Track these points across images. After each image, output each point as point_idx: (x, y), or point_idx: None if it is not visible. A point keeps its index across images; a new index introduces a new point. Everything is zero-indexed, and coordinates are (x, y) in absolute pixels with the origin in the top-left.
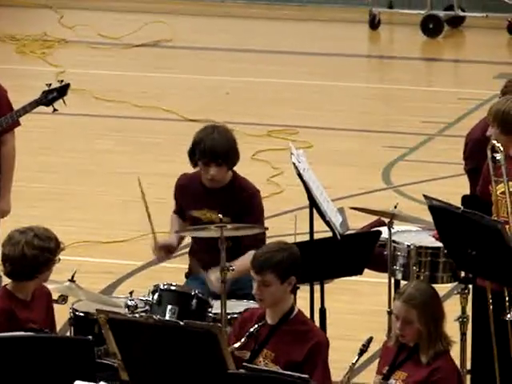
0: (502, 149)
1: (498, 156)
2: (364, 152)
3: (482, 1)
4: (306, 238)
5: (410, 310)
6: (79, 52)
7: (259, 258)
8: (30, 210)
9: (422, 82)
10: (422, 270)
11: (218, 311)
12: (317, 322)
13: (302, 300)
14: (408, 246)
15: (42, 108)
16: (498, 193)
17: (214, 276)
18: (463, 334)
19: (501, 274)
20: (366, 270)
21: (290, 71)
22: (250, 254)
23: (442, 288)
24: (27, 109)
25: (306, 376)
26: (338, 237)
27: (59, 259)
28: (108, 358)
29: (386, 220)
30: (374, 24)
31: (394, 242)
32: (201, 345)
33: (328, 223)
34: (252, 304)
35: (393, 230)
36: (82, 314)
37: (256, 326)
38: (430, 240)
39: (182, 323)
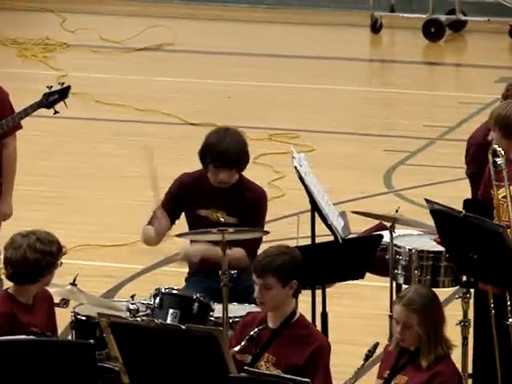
0: (503, 153)
1: (499, 160)
2: (365, 156)
3: (484, 5)
4: (308, 241)
5: (410, 315)
6: (81, 56)
7: (261, 262)
8: (31, 213)
9: (424, 86)
10: (424, 274)
11: (220, 315)
12: (318, 326)
13: (304, 304)
14: (409, 250)
15: (43, 112)
16: (499, 197)
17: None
18: (465, 338)
19: (502, 278)
20: (368, 274)
21: (292, 75)
22: (238, 249)
23: (443, 292)
24: (28, 111)
25: (308, 380)
26: (340, 241)
27: (61, 263)
28: (109, 362)
29: (388, 224)
30: (376, 28)
31: (395, 246)
32: (202, 348)
33: (330, 227)
34: (254, 308)
35: (394, 234)
36: (83, 318)
37: (256, 329)
38: (431, 244)
39: (183, 327)
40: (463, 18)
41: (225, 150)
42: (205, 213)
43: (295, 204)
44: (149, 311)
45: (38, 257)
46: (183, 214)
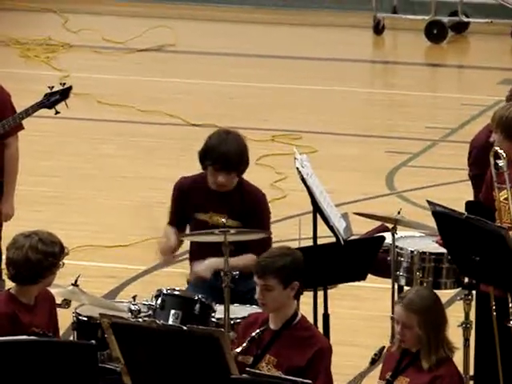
0: (504, 155)
1: (501, 162)
2: (367, 157)
3: (486, 7)
4: (310, 243)
5: (410, 315)
6: (83, 56)
7: (262, 263)
8: (32, 213)
9: (426, 88)
10: (426, 276)
11: (221, 316)
12: (320, 328)
13: (306, 305)
14: (411, 251)
15: (45, 112)
16: (501, 199)
17: (199, 267)
18: (466, 340)
19: (504, 279)
20: (370, 276)
21: (294, 76)
22: (250, 256)
23: (445, 294)
24: (30, 111)
25: (309, 381)
26: (342, 242)
27: (63, 264)
28: (111, 363)
29: (390, 225)
30: (378, 29)
31: (397, 247)
32: (204, 349)
33: (331, 228)
34: (255, 309)
35: (396, 236)
36: (85, 319)
37: (258, 330)
38: (433, 246)
39: (185, 328)
40: (465, 19)
41: (225, 153)
42: (203, 217)
43: (297, 205)
44: (150, 312)
45: (40, 257)
46: None
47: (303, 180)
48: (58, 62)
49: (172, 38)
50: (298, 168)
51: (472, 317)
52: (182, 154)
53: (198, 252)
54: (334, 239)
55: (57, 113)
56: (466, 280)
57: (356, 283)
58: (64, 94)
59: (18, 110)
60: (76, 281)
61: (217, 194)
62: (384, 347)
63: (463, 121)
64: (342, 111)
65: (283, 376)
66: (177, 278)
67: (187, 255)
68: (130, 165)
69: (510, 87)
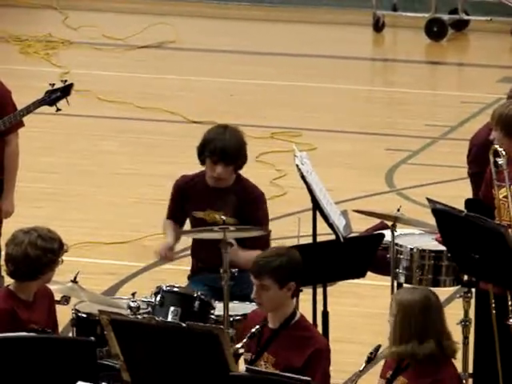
0: (504, 153)
1: (501, 161)
2: (367, 155)
3: (486, 5)
4: (309, 240)
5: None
6: (83, 53)
7: (258, 262)
8: (32, 210)
9: (426, 86)
10: (425, 274)
11: (221, 313)
12: (319, 325)
13: (305, 302)
14: (411, 249)
15: (45, 109)
16: (500, 197)
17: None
18: (466, 338)
19: (504, 277)
20: (369, 273)
21: (294, 73)
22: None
23: (444, 291)
24: (31, 108)
25: (308, 378)
26: (341, 239)
27: (62, 260)
28: (110, 359)
29: (389, 223)
30: (378, 27)
31: (396, 245)
32: (203, 346)
33: (331, 226)
34: (255, 306)
35: (396, 233)
36: (84, 315)
37: (257, 326)
38: (432, 243)
39: (184, 325)
40: (466, 17)
41: (223, 145)
42: (201, 215)
43: (297, 202)
44: (150, 309)
45: (39, 254)
46: None
47: (303, 177)
48: (58, 58)
49: (172, 35)
50: (297, 165)
51: (471, 314)
52: (182, 151)
53: (199, 249)
54: (333, 236)
55: (58, 110)
56: (466, 278)
57: (355, 281)
58: (65, 91)
59: (18, 106)
60: (75, 277)
61: (214, 191)
62: (380, 346)
63: (463, 118)
64: (341, 109)
65: (282, 373)
66: (176, 274)
67: (187, 252)
68: (129, 161)
69: (510, 86)
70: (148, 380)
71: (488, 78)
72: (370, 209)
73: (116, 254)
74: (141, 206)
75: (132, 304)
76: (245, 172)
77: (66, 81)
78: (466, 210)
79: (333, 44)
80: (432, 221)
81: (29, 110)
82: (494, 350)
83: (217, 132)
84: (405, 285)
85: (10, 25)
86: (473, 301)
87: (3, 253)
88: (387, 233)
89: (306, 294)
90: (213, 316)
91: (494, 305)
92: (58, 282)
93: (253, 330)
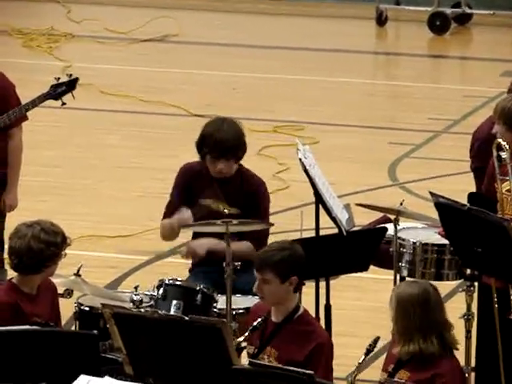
0: (507, 147)
1: (504, 154)
2: (370, 148)
3: None
4: (312, 234)
5: (392, 298)
6: (86, 46)
7: (260, 256)
8: (35, 204)
9: (429, 79)
10: (428, 267)
11: (223, 306)
12: (322, 318)
13: (308, 296)
14: (414, 242)
15: (47, 102)
16: (503, 191)
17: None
18: (468, 332)
19: (506, 271)
20: (372, 267)
21: (297, 67)
22: (247, 243)
23: (447, 285)
24: (36, 102)
25: (311, 372)
26: (344, 233)
27: (65, 254)
28: (113, 353)
29: (392, 217)
30: (381, 20)
31: (399, 238)
32: (205, 340)
33: (334, 219)
34: (257, 300)
35: (399, 227)
36: (87, 309)
37: (259, 319)
38: (435, 237)
39: (186, 318)
40: (468, 11)
41: (222, 140)
42: (207, 202)
43: (299, 196)
44: (152, 302)
45: (42, 247)
46: None
47: (306, 171)
48: (61, 52)
49: (175, 29)
50: (300, 159)
51: (474, 308)
52: (184, 144)
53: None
54: (336, 230)
55: (63, 104)
56: (469, 271)
57: (358, 274)
58: (70, 85)
59: (21, 100)
60: (78, 271)
61: (217, 181)
62: (379, 338)
63: (465, 112)
64: (344, 102)
65: (284, 367)
66: (179, 268)
67: None
68: (132, 155)
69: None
70: (151, 373)
71: (491, 72)
72: (372, 202)
73: (119, 247)
74: (144, 200)
75: (135, 297)
76: (247, 166)
77: (71, 75)
78: (468, 204)
79: (336, 38)
80: (435, 215)
81: (34, 103)
82: (496, 344)
83: (214, 126)
84: (407, 278)
85: (13, 18)
86: (475, 295)
87: (6, 246)
88: (390, 226)
89: (308, 288)
90: (215, 309)
91: (496, 299)
92: (60, 276)
93: (254, 323)
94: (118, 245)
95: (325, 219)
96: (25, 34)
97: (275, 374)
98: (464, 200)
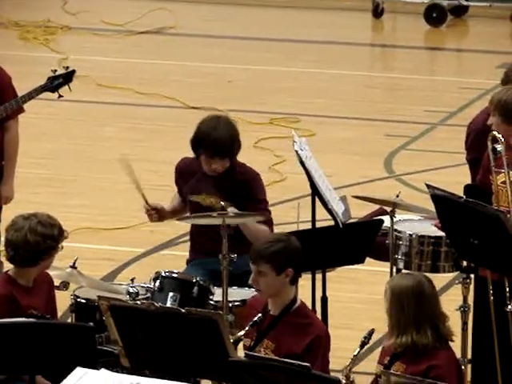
0: (502, 139)
1: (499, 147)
2: (366, 141)
3: None
4: (308, 226)
5: (386, 290)
6: (82, 39)
7: (255, 248)
8: (32, 196)
9: (425, 71)
10: (424, 259)
11: (220, 299)
12: (318, 311)
13: (304, 288)
14: (410, 235)
15: (44, 95)
16: (498, 182)
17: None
18: (464, 324)
19: (502, 263)
20: (368, 259)
21: (293, 59)
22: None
23: (443, 277)
24: (33, 94)
25: (307, 364)
26: (340, 225)
27: (62, 247)
28: (109, 345)
29: (388, 209)
30: (378, 12)
31: (395, 230)
32: (202, 332)
33: (330, 212)
34: (254, 292)
35: (395, 219)
36: (83, 301)
37: (260, 314)
38: (432, 229)
39: (183, 310)
40: (465, 3)
41: (217, 140)
42: (196, 199)
43: (296, 188)
44: (149, 294)
45: (38, 240)
46: None
47: (302, 163)
48: (57, 44)
49: (172, 21)
50: (296, 151)
51: (470, 300)
52: (180, 136)
53: (198, 234)
54: (332, 222)
55: (60, 96)
56: (465, 263)
57: (354, 266)
58: (67, 77)
59: (17, 92)
60: (74, 263)
61: (210, 176)
62: (374, 330)
63: (462, 104)
64: (340, 94)
65: (281, 359)
66: (175, 260)
67: (185, 238)
68: (129, 147)
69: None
70: (147, 365)
71: (487, 64)
72: (369, 195)
73: (115, 239)
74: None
75: (131, 289)
76: (243, 158)
77: (68, 67)
78: (465, 196)
79: (332, 30)
80: (431, 207)
81: (31, 96)
82: (492, 336)
83: (209, 125)
84: (403, 270)
85: (9, 10)
86: (472, 287)
87: (3, 238)
88: (386, 219)
89: (304, 280)
90: (212, 302)
91: (492, 291)
92: (57, 268)
93: (255, 318)
94: (114, 237)
95: (321, 211)
96: (21, 26)
97: (271, 366)
98: (460, 192)
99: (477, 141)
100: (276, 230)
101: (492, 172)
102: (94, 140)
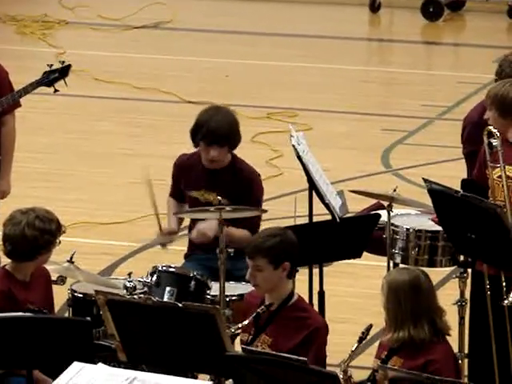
0: (498, 134)
1: (495, 142)
2: (363, 135)
3: None
4: (305, 220)
5: (383, 285)
6: (79, 33)
7: (252, 243)
8: (29, 190)
9: (422, 66)
10: (421, 254)
11: (217, 293)
12: (315, 305)
13: (301, 283)
14: (407, 229)
15: (41, 89)
16: (494, 177)
17: (204, 224)
18: (462, 318)
19: (499, 258)
20: (365, 253)
21: (290, 54)
22: (246, 232)
23: (440, 272)
24: (28, 89)
25: (304, 358)
26: (337, 220)
27: (59, 241)
28: (106, 340)
29: (385, 203)
30: (375, 7)
31: (393, 225)
32: (199, 326)
33: (327, 206)
34: (251, 287)
35: (392, 214)
36: (80, 295)
37: (263, 306)
38: (429, 223)
39: (180, 305)
40: None
41: (215, 127)
42: (195, 194)
43: (293, 183)
44: (146, 289)
45: (36, 234)
46: None
47: (299, 157)
48: (54, 38)
49: (168, 15)
50: (293, 145)
51: (467, 295)
52: (178, 131)
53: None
54: (329, 217)
55: (56, 91)
56: (462, 258)
57: (351, 261)
58: (63, 72)
59: (15, 86)
60: (71, 257)
61: (209, 172)
62: (371, 325)
63: (459, 99)
64: (337, 89)
65: (278, 353)
66: (172, 254)
67: (183, 232)
68: (126, 142)
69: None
70: (144, 360)
71: (484, 59)
72: (366, 189)
73: (112, 234)
74: (137, 186)
75: (128, 284)
76: (241, 152)
77: (63, 62)
78: (462, 190)
79: (329, 24)
80: (428, 201)
81: (26, 90)
82: (488, 330)
83: (208, 114)
84: (400, 265)
85: (6, 5)
86: (469, 281)
87: (0, 233)
88: (383, 213)
89: (302, 275)
90: (209, 296)
91: (488, 286)
92: (54, 262)
93: (258, 310)
94: (111, 231)
95: (318, 206)
96: (18, 20)
97: (269, 360)
98: (457, 186)
99: (473, 134)
100: (273, 224)
101: (488, 167)
102: (90, 134)
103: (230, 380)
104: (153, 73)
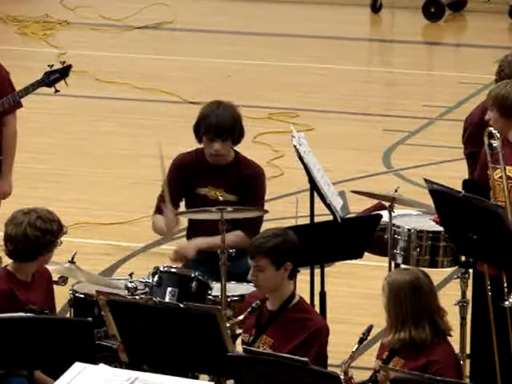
0: (498, 135)
1: (495, 142)
2: (365, 135)
3: None
4: (307, 221)
5: (384, 286)
6: (81, 34)
7: (253, 243)
8: (30, 191)
9: (423, 66)
10: (423, 254)
11: (218, 294)
12: (317, 306)
13: (302, 283)
14: (408, 229)
15: (42, 90)
16: (495, 177)
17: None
18: (463, 318)
19: (501, 258)
20: (367, 254)
21: (291, 54)
22: (237, 233)
23: (442, 272)
24: (29, 90)
25: (305, 359)
26: (339, 220)
27: (61, 242)
28: (107, 340)
29: (387, 204)
30: (376, 7)
31: (394, 225)
32: (200, 327)
33: (328, 206)
34: (252, 287)
35: (393, 214)
36: (81, 296)
37: (258, 301)
38: (430, 224)
39: (181, 305)
40: None
41: (217, 121)
42: (204, 191)
43: (294, 183)
44: (147, 289)
45: (38, 235)
46: None
47: (300, 158)
48: (56, 39)
49: (170, 16)
50: (295, 146)
51: (469, 295)
52: (179, 131)
53: (196, 229)
54: (331, 217)
55: (56, 91)
56: (463, 258)
57: (353, 261)
58: (64, 72)
59: (16, 87)
60: (73, 258)
61: (214, 168)
62: (372, 326)
63: (460, 99)
64: (339, 89)
65: (280, 354)
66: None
67: (184, 233)
68: (127, 142)
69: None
70: (145, 361)
71: (485, 59)
72: (367, 189)
73: (113, 234)
74: (138, 187)
75: (129, 284)
76: (242, 152)
77: (64, 62)
78: (463, 191)
79: (330, 24)
80: (429, 201)
81: (27, 91)
82: (490, 331)
83: (211, 109)
84: (402, 265)
85: (8, 5)
86: (470, 281)
87: (1, 233)
88: (385, 213)
89: (303, 275)
90: (210, 297)
91: (490, 286)
92: (55, 263)
93: (253, 304)
94: (112, 232)
95: (319, 206)
96: (19, 21)
97: (270, 360)
98: (459, 187)
99: (474, 135)
100: (274, 224)
101: (489, 167)
102: (91, 135)
103: (231, 380)
104: (154, 73)
